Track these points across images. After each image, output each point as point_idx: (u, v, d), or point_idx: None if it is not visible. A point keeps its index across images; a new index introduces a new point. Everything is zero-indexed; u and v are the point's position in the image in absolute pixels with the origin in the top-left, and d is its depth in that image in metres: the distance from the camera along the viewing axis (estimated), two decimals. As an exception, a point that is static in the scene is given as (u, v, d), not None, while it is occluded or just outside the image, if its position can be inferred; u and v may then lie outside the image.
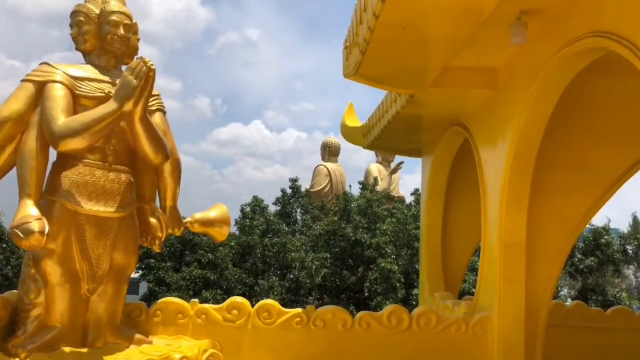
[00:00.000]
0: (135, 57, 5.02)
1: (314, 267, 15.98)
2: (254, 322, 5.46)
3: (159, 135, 4.82)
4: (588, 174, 5.66)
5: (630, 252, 20.11)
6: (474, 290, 15.40)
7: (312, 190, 22.77)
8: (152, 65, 4.52)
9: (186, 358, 4.61)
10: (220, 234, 5.60)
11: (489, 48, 5.36)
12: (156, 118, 5.03)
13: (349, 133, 9.12)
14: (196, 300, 5.54)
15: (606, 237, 18.34)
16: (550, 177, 5.69)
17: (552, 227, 5.65)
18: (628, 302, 20.15)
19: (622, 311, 8.02)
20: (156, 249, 5.20)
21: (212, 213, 5.57)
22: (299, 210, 19.38)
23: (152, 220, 5.10)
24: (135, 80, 4.48)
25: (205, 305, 5.51)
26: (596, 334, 7.77)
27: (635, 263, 23.33)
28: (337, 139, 25.18)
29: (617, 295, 19.36)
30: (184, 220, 5.37)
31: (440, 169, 8.00)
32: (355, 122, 9.10)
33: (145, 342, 4.86)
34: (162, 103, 5.18)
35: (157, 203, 5.22)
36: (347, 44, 5.27)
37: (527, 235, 5.53)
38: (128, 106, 4.49)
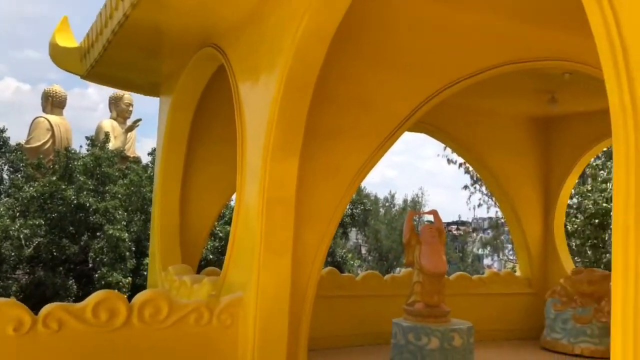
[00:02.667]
0: None
1: (22, 236, 12.62)
2: None
3: None
4: (373, 113, 4.39)
5: (356, 216, 21.03)
6: (211, 257, 13.94)
7: (28, 145, 18.58)
8: None
9: None
10: None
11: None
12: None
13: (61, 56, 6.51)
14: None
15: (338, 202, 18.62)
16: (330, 115, 4.26)
17: (328, 178, 4.24)
18: (352, 262, 21.15)
19: (372, 277, 7.25)
20: None
21: None
22: (6, 167, 15.37)
23: None
24: None
25: None
26: (350, 302, 6.85)
27: (357, 225, 24.81)
28: (64, 89, 21.10)
29: (344, 255, 20.09)
30: None
31: (184, 109, 6.05)
32: (71, 42, 6.53)
33: None
34: None
35: None
36: None
37: (297, 190, 4.02)
38: None
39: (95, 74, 6.23)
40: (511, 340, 7.47)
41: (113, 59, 5.66)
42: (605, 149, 9.35)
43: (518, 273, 8.21)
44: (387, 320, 6.44)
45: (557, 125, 7.90)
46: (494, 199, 22.27)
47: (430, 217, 6.72)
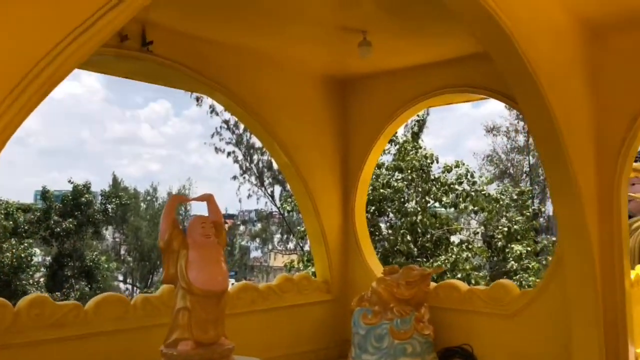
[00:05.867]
0: None
1: None
2: None
3: None
4: None
5: (111, 211, 17.24)
6: None
7: None
8: None
9: None
10: None
11: None
12: None
13: None
14: None
15: (87, 195, 14.79)
16: None
17: None
18: (107, 265, 17.28)
19: (109, 302, 4.35)
20: None
21: None
22: None
23: None
24: None
25: None
26: (76, 347, 3.95)
27: (114, 223, 20.78)
28: None
29: (96, 259, 16.21)
30: None
31: None
32: None
33: None
34: None
35: None
36: None
37: None
38: None
39: None
40: (310, 366, 5.39)
41: None
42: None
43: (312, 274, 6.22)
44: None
45: (357, 88, 6.08)
46: (263, 189, 20.66)
47: (203, 206, 4.20)
